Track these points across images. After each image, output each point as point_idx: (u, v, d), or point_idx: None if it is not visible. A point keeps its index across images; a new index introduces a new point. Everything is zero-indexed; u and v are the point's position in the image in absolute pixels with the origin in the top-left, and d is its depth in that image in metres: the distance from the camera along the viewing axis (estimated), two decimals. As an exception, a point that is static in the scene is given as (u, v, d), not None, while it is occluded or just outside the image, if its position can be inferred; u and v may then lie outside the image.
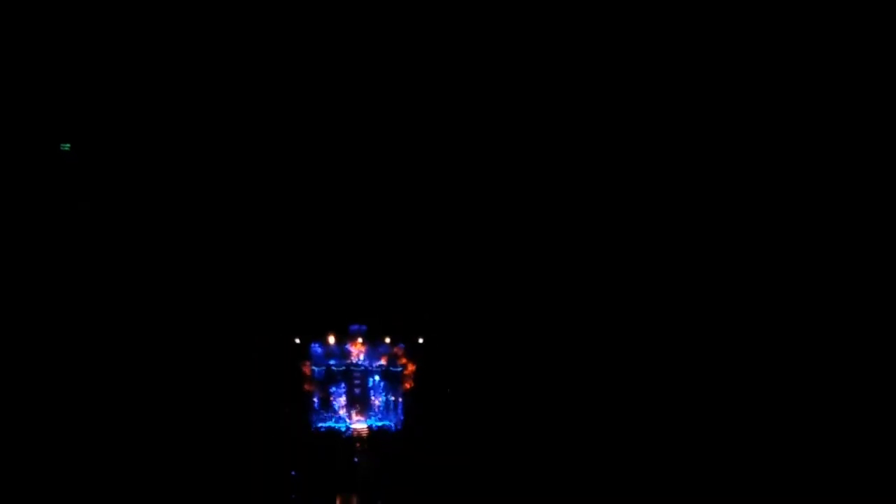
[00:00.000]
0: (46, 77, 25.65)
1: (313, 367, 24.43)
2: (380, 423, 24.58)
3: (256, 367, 25.32)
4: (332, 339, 24.52)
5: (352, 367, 24.52)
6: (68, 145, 25.56)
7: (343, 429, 24.60)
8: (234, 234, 25.47)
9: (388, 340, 24.72)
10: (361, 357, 24.61)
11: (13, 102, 25.54)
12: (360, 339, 24.62)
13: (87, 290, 25.89)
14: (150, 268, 25.84)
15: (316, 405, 24.52)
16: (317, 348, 24.49)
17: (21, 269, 25.58)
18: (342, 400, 24.49)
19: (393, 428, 24.69)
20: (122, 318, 25.78)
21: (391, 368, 24.65)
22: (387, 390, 24.67)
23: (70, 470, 24.50)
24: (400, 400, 24.67)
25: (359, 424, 24.49)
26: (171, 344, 25.54)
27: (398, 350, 24.72)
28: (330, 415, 24.55)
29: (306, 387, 24.43)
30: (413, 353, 24.84)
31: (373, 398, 24.59)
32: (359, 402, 24.50)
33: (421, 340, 25.01)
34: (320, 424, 24.50)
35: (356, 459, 24.47)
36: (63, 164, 26.11)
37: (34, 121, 25.86)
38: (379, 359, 24.67)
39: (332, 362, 24.49)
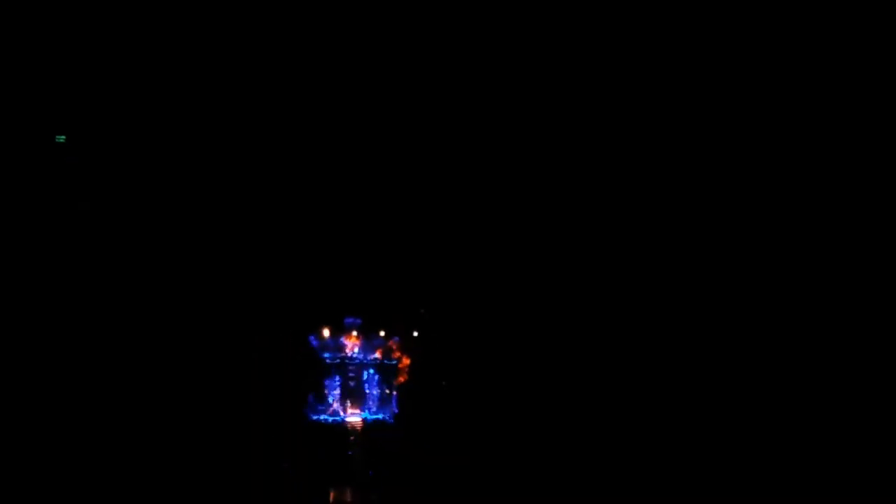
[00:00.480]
0: (46, 76, 25.88)
1: (307, 361, 24.47)
2: (374, 416, 24.55)
3: (256, 364, 25.43)
4: (326, 333, 24.52)
5: (346, 361, 24.54)
6: (63, 137, 25.73)
7: (337, 422, 24.61)
8: (229, 229, 25.59)
9: (382, 334, 24.70)
10: (356, 350, 24.61)
11: (13, 102, 25.78)
12: (354, 333, 24.62)
13: (87, 290, 26.03)
14: (148, 265, 25.98)
15: (310, 398, 24.53)
16: (311, 341, 24.51)
17: (21, 269, 25.74)
18: (337, 393, 24.48)
19: (387, 421, 24.66)
20: (121, 317, 25.92)
21: (386, 361, 24.64)
22: (381, 383, 24.66)
23: (68, 466, 24.61)
24: (394, 393, 24.65)
25: (353, 417, 24.48)
26: (169, 341, 25.65)
27: (393, 343, 24.72)
28: (324, 407, 24.55)
29: (301, 380, 24.47)
30: (408, 346, 24.83)
31: (367, 391, 24.58)
32: (353, 394, 24.48)
33: (416, 334, 25.02)
34: (315, 417, 24.50)
35: (350, 452, 24.46)
36: (63, 164, 26.30)
37: (34, 120, 26.08)
38: (374, 352, 24.66)
39: (326, 355, 24.51)
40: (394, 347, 24.66)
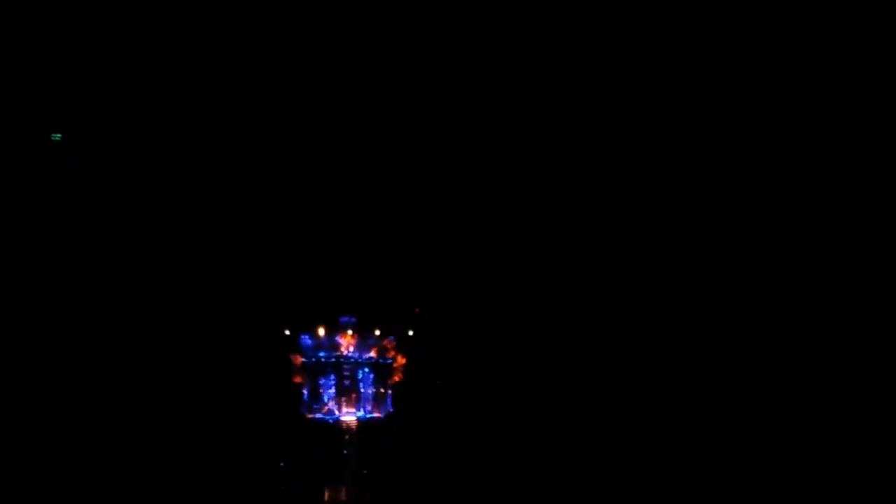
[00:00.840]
0: (46, 76, 26.01)
1: (303, 359, 24.46)
2: (369, 416, 24.54)
3: (255, 364, 25.50)
4: (321, 331, 24.53)
5: (341, 360, 24.51)
6: (59, 135, 25.87)
7: (332, 420, 24.61)
8: (225, 228, 25.70)
9: (377, 333, 24.69)
10: (351, 349, 24.59)
11: (13, 102, 25.92)
12: (349, 331, 24.62)
13: (87, 290, 26.13)
14: (148, 265, 26.12)
15: (305, 397, 24.55)
16: (306, 340, 24.52)
17: (21, 269, 25.86)
18: (332, 391, 24.48)
19: (382, 420, 24.66)
20: (120, 317, 26.03)
21: (381, 361, 24.62)
22: (376, 382, 24.64)
23: (66, 464, 24.76)
24: (389, 392, 24.64)
25: (348, 416, 24.47)
26: (167, 341, 25.77)
27: (388, 343, 24.70)
28: (319, 406, 24.55)
29: (296, 378, 24.47)
30: (403, 345, 24.82)
31: (362, 390, 24.56)
32: (348, 393, 24.47)
33: (411, 333, 25.02)
34: (310, 416, 24.52)
35: (345, 451, 24.46)
36: (63, 164, 26.42)
37: (34, 121, 26.21)
38: (369, 351, 24.64)
39: (321, 354, 24.50)
40: (389, 347, 24.63)
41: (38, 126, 26.31)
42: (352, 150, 25.99)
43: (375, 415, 24.61)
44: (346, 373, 24.48)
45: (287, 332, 24.58)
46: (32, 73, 25.99)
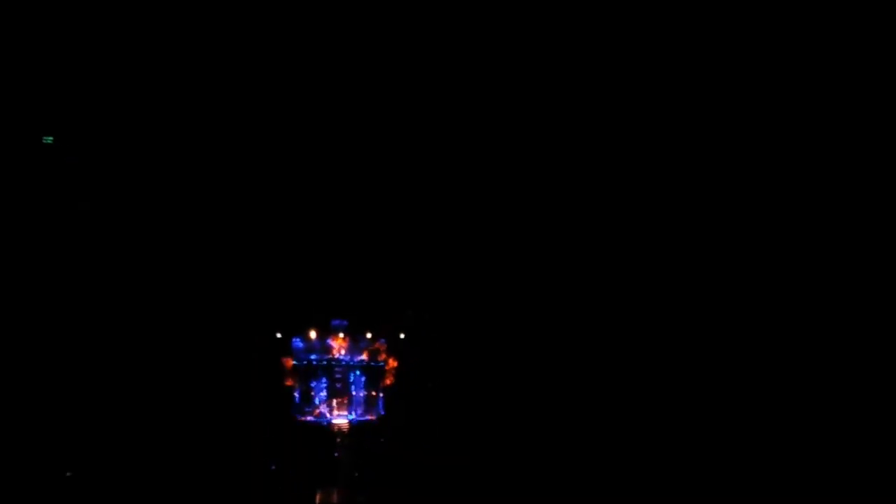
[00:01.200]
0: (46, 77, 26.15)
1: (294, 362, 24.52)
2: (360, 418, 24.59)
3: (254, 366, 25.61)
4: (313, 334, 24.58)
5: (333, 362, 24.57)
6: (51, 138, 26.02)
7: (324, 423, 24.68)
8: (220, 230, 25.80)
9: (369, 336, 24.72)
10: (343, 352, 24.64)
11: (13, 102, 26.08)
12: (341, 334, 24.66)
13: (87, 291, 26.31)
14: (142, 264, 26.27)
15: (297, 400, 24.63)
16: (298, 343, 24.60)
17: (21, 269, 26.06)
18: (323, 394, 24.55)
19: (374, 423, 24.71)
20: (118, 317, 26.20)
21: (372, 363, 24.65)
22: (368, 385, 24.68)
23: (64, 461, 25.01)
24: (381, 395, 24.67)
25: (339, 419, 24.53)
26: (163, 341, 25.91)
27: (379, 345, 24.73)
28: (311, 409, 24.63)
29: (287, 381, 24.54)
30: (394, 348, 24.84)
31: (354, 393, 24.61)
32: (339, 396, 24.53)
33: (402, 336, 25.04)
34: (301, 419, 24.61)
35: (336, 454, 24.54)
36: (63, 164, 26.58)
37: (34, 120, 26.37)
38: (360, 354, 24.68)
39: (312, 357, 24.56)
40: (380, 349, 24.66)
41: (37, 126, 26.46)
42: (344, 153, 26.01)
43: (367, 417, 24.64)
44: (338, 376, 24.54)
45: (278, 336, 24.64)
46: (32, 72, 26.11)
